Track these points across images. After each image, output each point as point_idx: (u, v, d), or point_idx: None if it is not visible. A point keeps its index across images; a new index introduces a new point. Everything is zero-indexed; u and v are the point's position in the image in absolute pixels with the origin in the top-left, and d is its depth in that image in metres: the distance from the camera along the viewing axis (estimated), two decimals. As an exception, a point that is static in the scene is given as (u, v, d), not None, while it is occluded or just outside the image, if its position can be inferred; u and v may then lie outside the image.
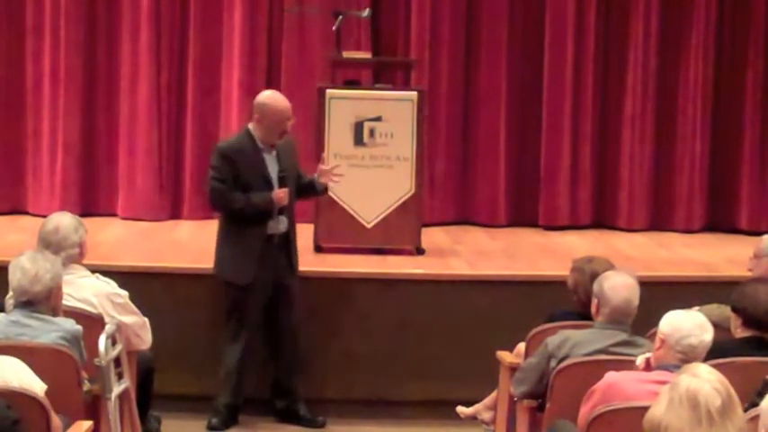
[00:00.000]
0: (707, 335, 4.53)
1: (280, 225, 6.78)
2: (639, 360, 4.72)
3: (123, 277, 6.01)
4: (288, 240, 6.84)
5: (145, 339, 5.77)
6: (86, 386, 5.02)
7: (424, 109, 7.94)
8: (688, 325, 4.53)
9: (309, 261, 7.38)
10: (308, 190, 7.00)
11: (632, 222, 9.30)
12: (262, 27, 9.15)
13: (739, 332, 5.20)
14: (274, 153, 6.79)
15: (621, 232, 9.20)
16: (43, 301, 4.94)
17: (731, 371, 4.04)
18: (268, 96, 6.87)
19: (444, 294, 7.27)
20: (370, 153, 7.74)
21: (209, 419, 6.88)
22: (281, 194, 6.71)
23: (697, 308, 5.34)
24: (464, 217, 9.37)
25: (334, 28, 8.09)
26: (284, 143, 6.85)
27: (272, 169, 6.77)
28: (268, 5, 9.15)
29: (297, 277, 6.91)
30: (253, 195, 6.72)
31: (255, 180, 6.73)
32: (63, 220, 5.61)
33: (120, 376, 5.35)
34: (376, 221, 7.81)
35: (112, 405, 5.17)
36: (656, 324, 4.68)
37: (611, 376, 4.55)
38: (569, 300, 5.78)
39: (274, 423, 7.01)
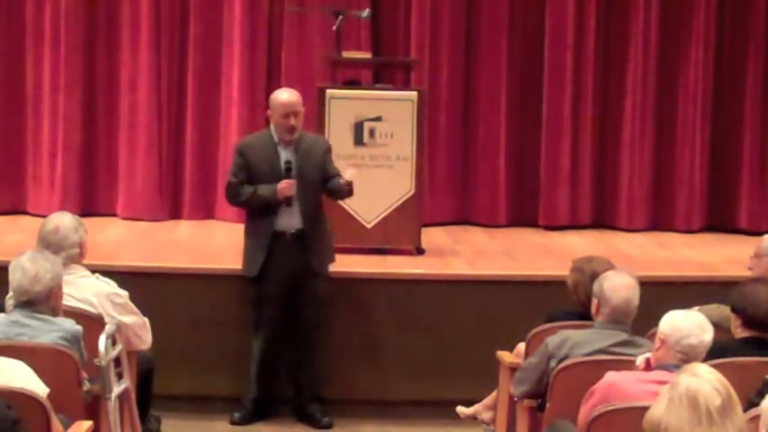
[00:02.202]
0: (707, 335, 4.54)
1: (291, 221, 6.81)
2: (639, 360, 4.72)
3: (123, 277, 6.01)
4: (304, 238, 6.85)
5: (145, 339, 5.77)
6: (86, 386, 5.02)
7: (424, 109, 7.94)
8: (688, 325, 4.53)
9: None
10: (335, 189, 6.93)
11: (632, 222, 9.30)
12: (262, 27, 9.15)
13: (739, 332, 5.20)
14: (292, 148, 6.84)
15: (621, 232, 9.20)
16: (43, 301, 4.94)
17: (731, 371, 4.04)
18: (276, 91, 7.06)
19: (444, 294, 7.27)
20: (370, 153, 7.74)
21: (233, 413, 6.95)
22: (283, 185, 6.74)
23: (697, 308, 5.34)
24: (464, 217, 9.37)
25: (334, 28, 8.09)
26: (311, 142, 6.95)
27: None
28: (268, 5, 9.15)
29: (318, 276, 6.89)
30: (259, 187, 6.78)
31: (267, 173, 6.80)
32: (63, 220, 5.61)
33: (120, 376, 5.35)
34: (376, 221, 7.81)
35: (112, 405, 5.17)
36: (656, 324, 4.68)
37: (611, 376, 4.56)
38: (569, 300, 5.78)
39: (292, 421, 7.02)
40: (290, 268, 6.83)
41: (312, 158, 6.88)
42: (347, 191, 6.86)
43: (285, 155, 6.83)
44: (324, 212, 7.04)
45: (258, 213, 6.88)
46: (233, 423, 6.95)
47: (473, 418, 6.48)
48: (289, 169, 6.78)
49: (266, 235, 6.82)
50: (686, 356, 4.43)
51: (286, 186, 6.75)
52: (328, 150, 7.01)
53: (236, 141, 7.34)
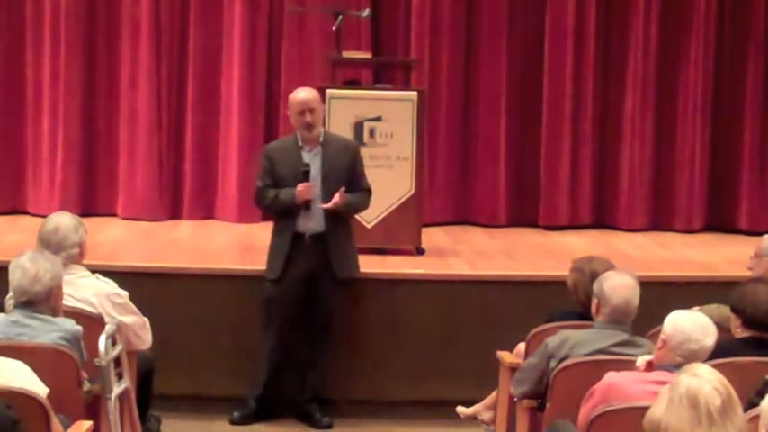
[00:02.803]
0: (709, 339, 4.52)
1: (310, 223, 6.80)
2: (639, 361, 4.71)
3: (123, 277, 6.01)
4: (325, 241, 6.83)
5: (145, 339, 5.77)
6: (86, 386, 5.02)
7: (424, 109, 7.93)
8: (690, 329, 4.52)
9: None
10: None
11: (632, 222, 9.30)
12: (262, 27, 9.14)
13: (739, 332, 5.20)
14: (317, 152, 6.83)
15: (621, 232, 9.20)
16: (43, 301, 4.94)
17: (731, 371, 4.04)
18: (294, 91, 7.03)
19: (444, 294, 7.27)
20: (370, 153, 7.73)
21: (233, 413, 6.95)
22: (301, 188, 6.74)
23: (697, 308, 5.34)
24: (464, 217, 9.37)
25: (334, 28, 8.09)
26: (339, 146, 6.94)
27: (311, 167, 6.81)
28: (268, 5, 9.15)
29: (335, 281, 6.87)
30: (281, 191, 6.78)
31: (289, 176, 6.80)
32: (63, 220, 5.60)
33: (120, 376, 5.35)
34: (376, 221, 7.81)
35: (112, 405, 5.17)
36: (656, 324, 4.68)
37: (611, 376, 4.55)
38: (569, 300, 5.78)
39: (292, 420, 7.01)
40: (307, 270, 6.83)
41: (339, 163, 6.87)
42: (347, 212, 6.91)
43: (308, 158, 6.83)
44: (350, 218, 7.03)
45: (282, 215, 6.90)
46: (233, 423, 6.94)
47: (473, 418, 6.48)
48: (306, 173, 6.77)
49: (287, 236, 6.84)
50: (686, 360, 4.42)
51: (303, 190, 6.75)
52: (357, 155, 6.99)
53: (265, 145, 7.35)
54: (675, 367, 4.23)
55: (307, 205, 6.77)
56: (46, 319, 4.93)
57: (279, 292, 6.86)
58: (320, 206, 6.78)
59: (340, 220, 6.90)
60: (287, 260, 6.82)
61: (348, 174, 6.90)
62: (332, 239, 6.86)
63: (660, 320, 4.63)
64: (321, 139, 6.87)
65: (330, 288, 6.89)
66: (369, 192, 7.03)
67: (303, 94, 6.90)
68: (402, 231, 7.85)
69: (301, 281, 6.85)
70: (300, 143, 6.87)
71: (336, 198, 6.78)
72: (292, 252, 6.82)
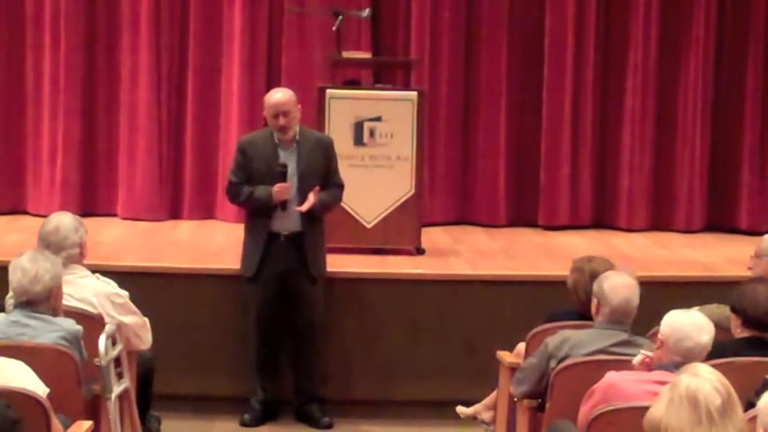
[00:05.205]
0: (704, 336, 4.52)
1: (286, 223, 6.79)
2: (637, 359, 4.71)
3: (123, 277, 6.01)
4: (301, 240, 6.82)
5: (145, 339, 5.77)
6: (86, 386, 5.02)
7: (424, 109, 7.93)
8: (686, 327, 4.52)
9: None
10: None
11: (632, 222, 9.30)
12: (262, 26, 9.15)
13: (739, 332, 5.20)
14: (293, 149, 6.81)
15: (621, 232, 9.20)
16: (43, 301, 4.94)
17: (731, 371, 4.03)
18: (270, 91, 7.02)
19: (444, 294, 7.27)
20: (370, 153, 7.74)
21: (243, 415, 6.94)
22: (278, 188, 6.72)
23: (697, 308, 5.33)
24: (464, 217, 9.37)
25: (334, 28, 8.09)
26: (314, 143, 6.90)
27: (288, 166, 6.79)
28: (268, 5, 9.15)
29: (312, 280, 6.86)
30: (257, 189, 6.75)
31: (264, 173, 6.77)
32: (63, 220, 5.61)
33: (120, 376, 5.35)
34: (376, 221, 7.81)
35: (112, 405, 5.18)
36: (656, 324, 4.68)
37: (611, 376, 4.55)
38: (569, 300, 5.78)
39: (292, 421, 7.02)
40: (283, 270, 6.81)
41: (314, 160, 6.85)
42: (322, 211, 6.87)
43: (284, 156, 6.81)
44: (323, 216, 7.02)
45: (256, 213, 6.87)
46: (243, 425, 6.92)
47: (473, 418, 6.48)
48: (284, 173, 6.76)
49: (262, 235, 6.81)
50: (683, 358, 4.43)
51: (281, 190, 6.72)
52: (331, 151, 6.95)
53: (240, 138, 7.31)
54: (675, 367, 4.23)
55: (283, 205, 6.76)
56: (46, 319, 4.93)
57: (256, 292, 6.85)
58: (296, 209, 6.75)
59: (315, 219, 6.86)
60: (262, 259, 6.79)
61: (323, 170, 6.88)
62: (307, 239, 6.83)
63: (660, 320, 4.63)
64: (297, 137, 6.83)
65: (309, 286, 6.86)
66: (341, 187, 7.01)
67: (278, 96, 6.86)
68: (402, 231, 7.85)
69: (277, 280, 6.82)
70: (277, 140, 6.83)
71: (311, 198, 6.75)
72: (267, 251, 6.79)
